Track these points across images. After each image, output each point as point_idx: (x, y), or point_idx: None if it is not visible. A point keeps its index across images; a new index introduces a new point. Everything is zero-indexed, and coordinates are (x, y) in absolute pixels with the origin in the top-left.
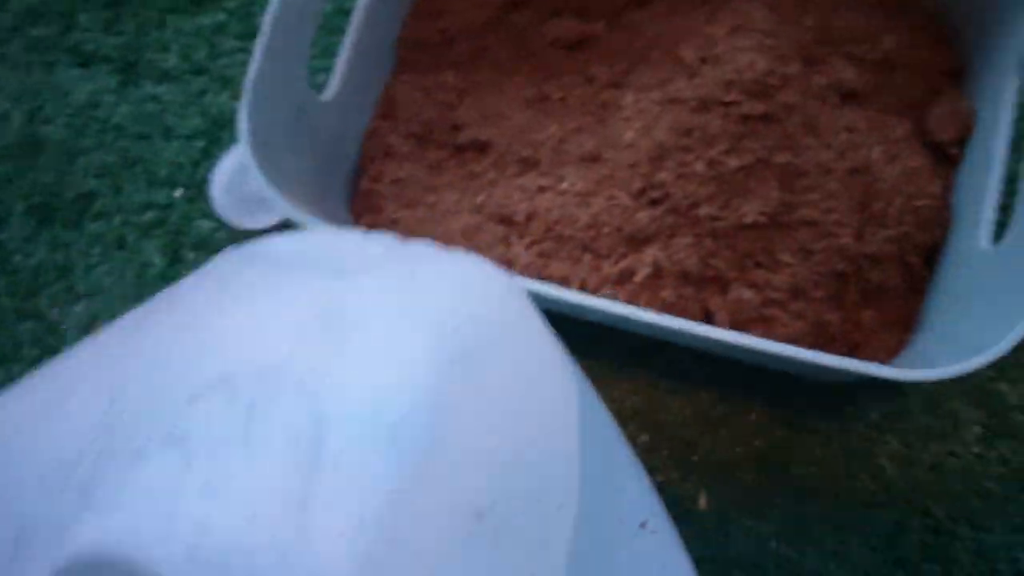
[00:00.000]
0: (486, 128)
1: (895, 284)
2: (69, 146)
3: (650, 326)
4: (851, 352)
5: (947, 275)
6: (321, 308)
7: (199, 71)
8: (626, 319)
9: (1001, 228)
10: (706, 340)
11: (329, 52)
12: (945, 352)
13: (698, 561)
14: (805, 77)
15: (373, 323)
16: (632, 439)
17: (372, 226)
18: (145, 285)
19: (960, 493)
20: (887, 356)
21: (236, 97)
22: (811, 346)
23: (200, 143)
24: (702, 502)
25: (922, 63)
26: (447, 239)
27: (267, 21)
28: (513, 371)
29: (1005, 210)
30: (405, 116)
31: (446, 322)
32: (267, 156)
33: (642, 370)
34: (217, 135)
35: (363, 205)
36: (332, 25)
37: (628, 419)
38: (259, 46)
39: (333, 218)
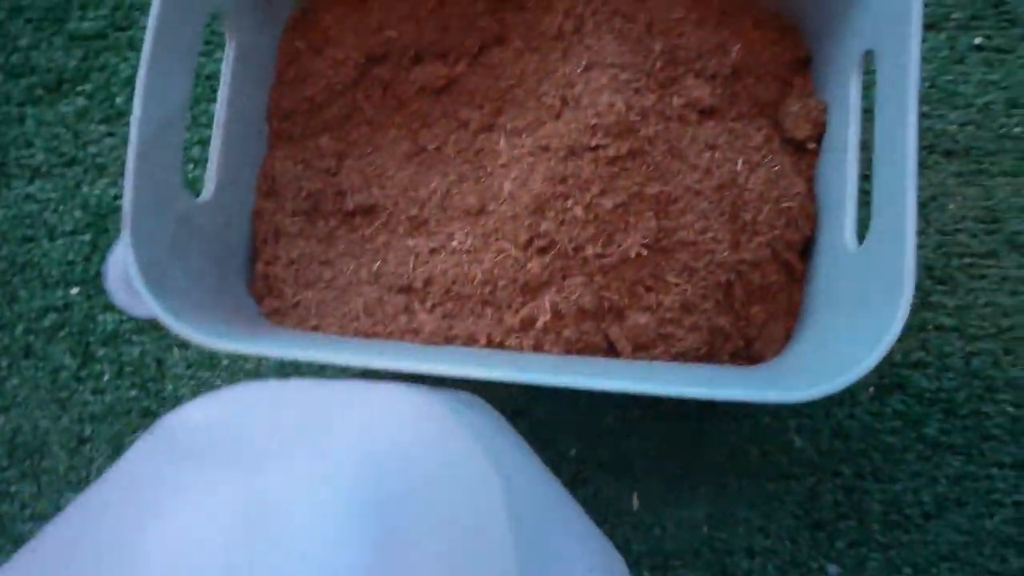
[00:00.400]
0: (370, 190)
1: (776, 280)
2: None
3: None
4: (747, 346)
5: (820, 272)
6: (244, 509)
7: (70, 162)
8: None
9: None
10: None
11: (201, 121)
12: (825, 353)
13: (638, 557)
14: (662, 103)
15: (297, 514)
16: (563, 453)
17: (276, 310)
18: (61, 389)
19: (863, 451)
20: (779, 345)
21: (114, 183)
22: (709, 351)
23: (86, 237)
24: (635, 502)
25: (770, 61)
26: (351, 318)
27: (130, 152)
28: (440, 502)
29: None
30: (288, 193)
31: (369, 486)
32: (157, 280)
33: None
34: (102, 226)
35: (263, 288)
36: (202, 96)
37: (558, 435)
38: (128, 175)
39: (235, 309)
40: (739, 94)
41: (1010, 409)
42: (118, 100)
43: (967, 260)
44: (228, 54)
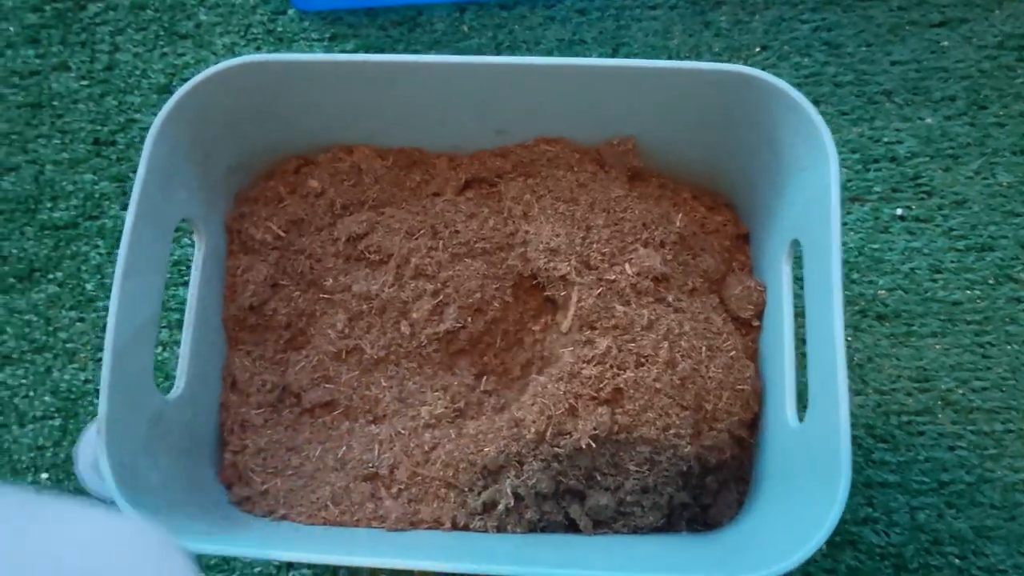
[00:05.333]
0: (323, 387)
1: (729, 454)
2: None
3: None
4: (702, 512)
5: (767, 444)
6: None
7: (41, 348)
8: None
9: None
10: None
11: (169, 305)
12: (774, 529)
13: None
14: (609, 275)
15: None
16: None
17: (246, 498)
18: None
19: None
20: (733, 511)
21: (83, 369)
22: (668, 523)
23: (56, 422)
24: None
25: (714, 233)
26: (319, 507)
27: (105, 360)
28: None
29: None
30: (250, 388)
31: None
32: (131, 481)
33: None
34: (72, 411)
35: (232, 476)
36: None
37: None
38: (103, 384)
39: (206, 499)
40: (688, 264)
41: (956, 561)
42: (88, 287)
43: (905, 418)
44: (197, 256)
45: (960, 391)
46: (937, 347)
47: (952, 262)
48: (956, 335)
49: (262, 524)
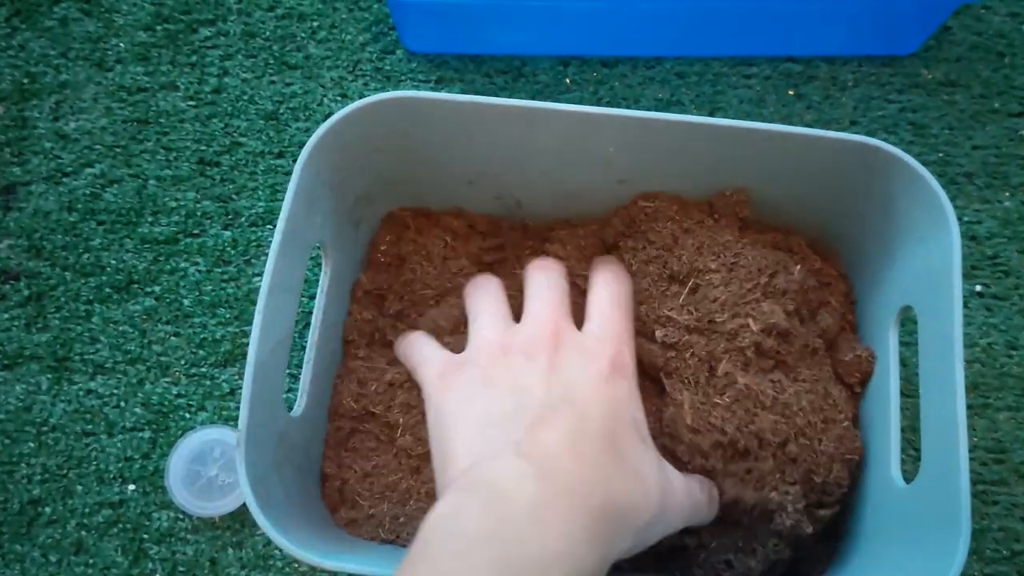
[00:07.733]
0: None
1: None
2: (6, 454)
3: None
4: (793, 564)
5: (867, 503)
6: None
7: (134, 360)
8: None
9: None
10: None
11: None
12: None
13: None
14: (730, 325)
15: None
16: None
17: (352, 521)
18: None
19: None
20: (824, 565)
21: (176, 383)
22: (763, 572)
23: (146, 434)
24: None
25: (828, 287)
26: None
27: (247, 377)
28: None
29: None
30: (354, 412)
31: None
32: (264, 497)
33: None
34: (163, 424)
35: (337, 499)
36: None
37: None
38: (244, 399)
39: (317, 519)
40: (807, 320)
41: None
42: (185, 302)
43: (980, 487)
44: (323, 281)
45: None
46: (1012, 421)
47: None
48: None
49: (378, 548)
